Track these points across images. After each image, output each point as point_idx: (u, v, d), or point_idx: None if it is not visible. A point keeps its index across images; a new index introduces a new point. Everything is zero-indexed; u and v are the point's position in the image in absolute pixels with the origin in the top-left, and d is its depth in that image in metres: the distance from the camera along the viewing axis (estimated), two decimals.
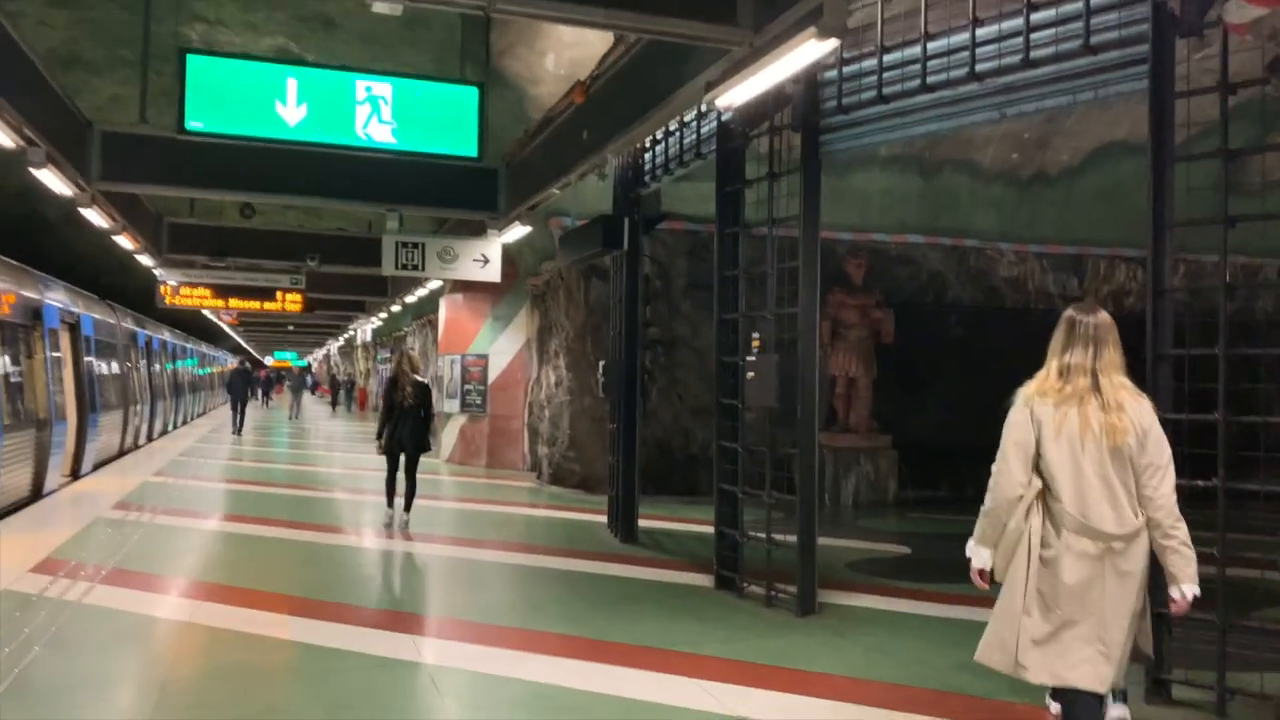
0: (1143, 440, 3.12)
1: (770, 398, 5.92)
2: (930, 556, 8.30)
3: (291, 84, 5.91)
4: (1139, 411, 3.16)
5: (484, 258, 10.63)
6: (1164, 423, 4.42)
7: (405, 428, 9.02)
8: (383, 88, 6.19)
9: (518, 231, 9.95)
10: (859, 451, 11.90)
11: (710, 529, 6.80)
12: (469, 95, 6.51)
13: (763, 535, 6.20)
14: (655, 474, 11.07)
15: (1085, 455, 3.11)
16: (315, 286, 18.04)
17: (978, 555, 3.28)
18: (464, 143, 6.48)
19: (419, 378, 9.28)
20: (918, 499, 11.80)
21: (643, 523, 9.06)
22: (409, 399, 9.05)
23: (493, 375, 15.48)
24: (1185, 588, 3.13)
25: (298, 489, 12.74)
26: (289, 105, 5.86)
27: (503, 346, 15.43)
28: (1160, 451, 3.15)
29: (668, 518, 9.78)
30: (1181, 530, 3.15)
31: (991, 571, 3.29)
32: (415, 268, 10.59)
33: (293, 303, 17.98)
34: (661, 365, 11.93)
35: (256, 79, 5.85)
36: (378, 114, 6.15)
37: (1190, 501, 4.68)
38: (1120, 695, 3.91)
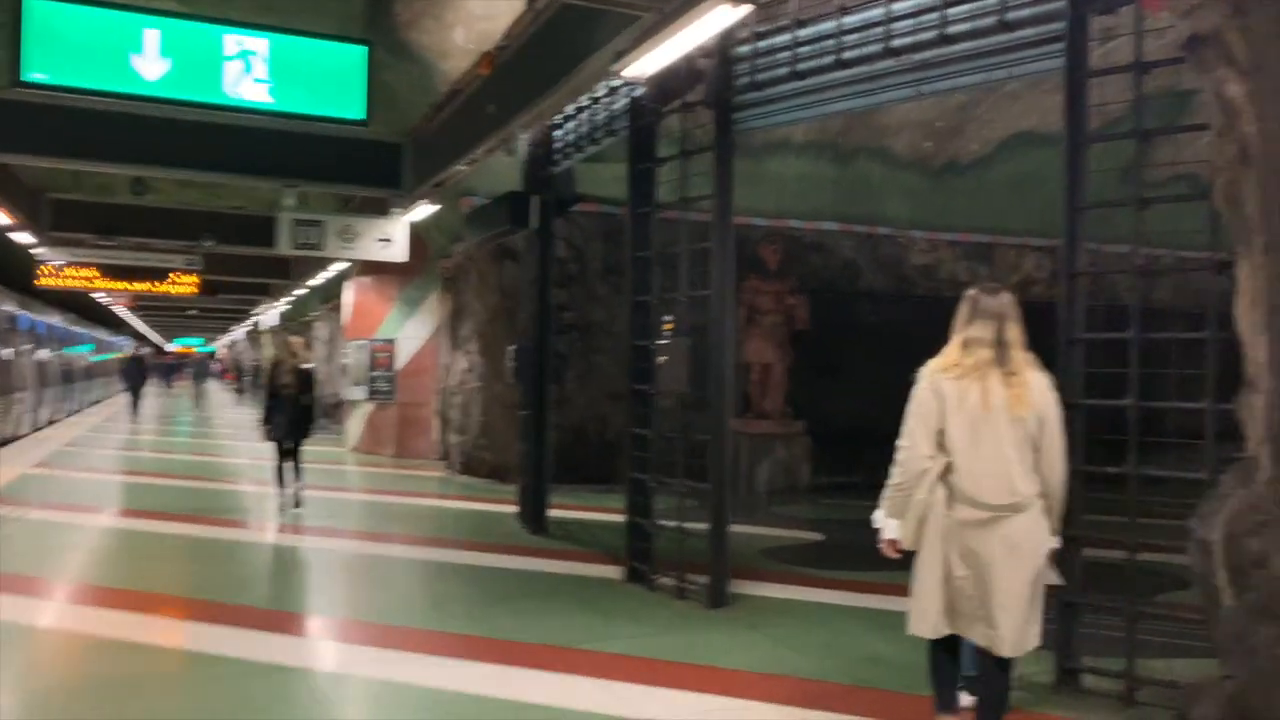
0: (1042, 416, 3.29)
1: (681, 382, 5.72)
2: (844, 543, 8.25)
3: (151, 35, 5.37)
4: (1040, 387, 3.31)
5: (388, 238, 10.16)
6: (1075, 407, 4.40)
7: (286, 414, 8.67)
8: (257, 43, 5.69)
9: (424, 210, 9.55)
10: (773, 438, 11.83)
11: (624, 518, 6.58)
12: (355, 54, 6.07)
13: (676, 524, 6.00)
14: (570, 462, 10.81)
15: (983, 428, 3.25)
16: (216, 268, 17.18)
17: (887, 526, 3.43)
18: (350, 105, 6.04)
19: (303, 364, 8.93)
20: (831, 485, 11.79)
21: (556, 512, 8.79)
22: (289, 385, 8.70)
23: (401, 361, 14.96)
24: (1054, 542, 3.37)
25: (191, 480, 12.08)
26: (147, 58, 5.33)
27: (412, 331, 14.92)
28: (1057, 427, 3.31)
29: (582, 507, 9.53)
30: (1064, 498, 3.38)
31: (901, 542, 3.43)
32: (314, 247, 10.08)
33: (188, 284, 17.09)
34: (578, 350, 11.66)
35: (109, 28, 5.29)
36: (250, 71, 5.66)
37: (1098, 486, 4.67)
38: (966, 683, 3.81)
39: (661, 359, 5.87)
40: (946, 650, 3.49)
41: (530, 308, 8.29)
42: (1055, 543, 3.38)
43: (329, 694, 4.36)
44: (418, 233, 14.18)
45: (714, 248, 5.74)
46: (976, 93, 11.78)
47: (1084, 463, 4.33)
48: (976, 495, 3.23)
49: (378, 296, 15.22)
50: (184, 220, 13.82)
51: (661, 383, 5.96)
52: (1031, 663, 4.65)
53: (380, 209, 10.82)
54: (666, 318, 6.06)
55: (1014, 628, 3.22)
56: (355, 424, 15.70)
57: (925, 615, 3.36)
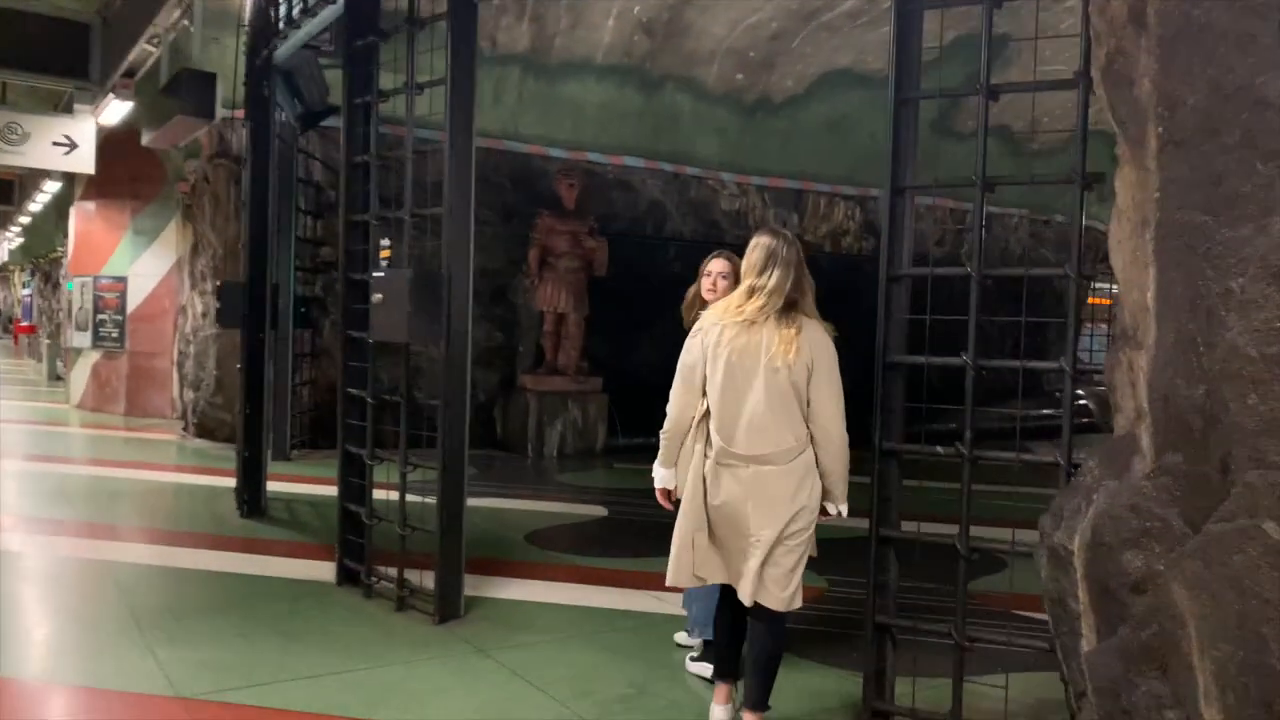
0: (812, 365, 3.12)
1: (401, 329, 4.28)
2: (627, 518, 7.13)
3: None
4: (815, 337, 3.14)
5: (69, 140, 8.05)
6: (894, 368, 3.33)
7: None
8: None
9: (118, 109, 7.52)
10: (567, 396, 10.62)
11: (379, 494, 5.02)
12: None
13: (402, 514, 4.60)
14: (328, 424, 9.16)
15: (740, 377, 3.13)
16: None
17: (659, 475, 3.35)
18: None
19: None
20: (628, 447, 10.73)
21: (291, 488, 7.22)
22: None
23: (133, 303, 12.62)
24: (841, 507, 3.22)
25: None
26: None
27: (146, 267, 12.58)
28: (827, 377, 3.13)
29: (326, 480, 7.92)
30: (842, 458, 3.16)
31: (675, 491, 3.32)
32: None
33: None
34: (337, 294, 9.92)
35: None
36: None
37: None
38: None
39: (376, 297, 4.41)
40: (730, 610, 3.30)
41: (245, 233, 6.56)
42: (833, 510, 3.22)
43: None
44: (156, 150, 11.90)
45: (449, 150, 4.31)
46: (791, 22, 10.83)
47: (899, 439, 3.29)
48: (729, 444, 3.13)
49: (105, 225, 12.74)
50: None
51: (375, 329, 4.51)
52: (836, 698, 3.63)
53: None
54: (384, 242, 4.58)
55: (752, 576, 3.09)
56: (79, 376, 13.23)
57: (681, 563, 3.22)
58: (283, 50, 6.20)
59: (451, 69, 4.28)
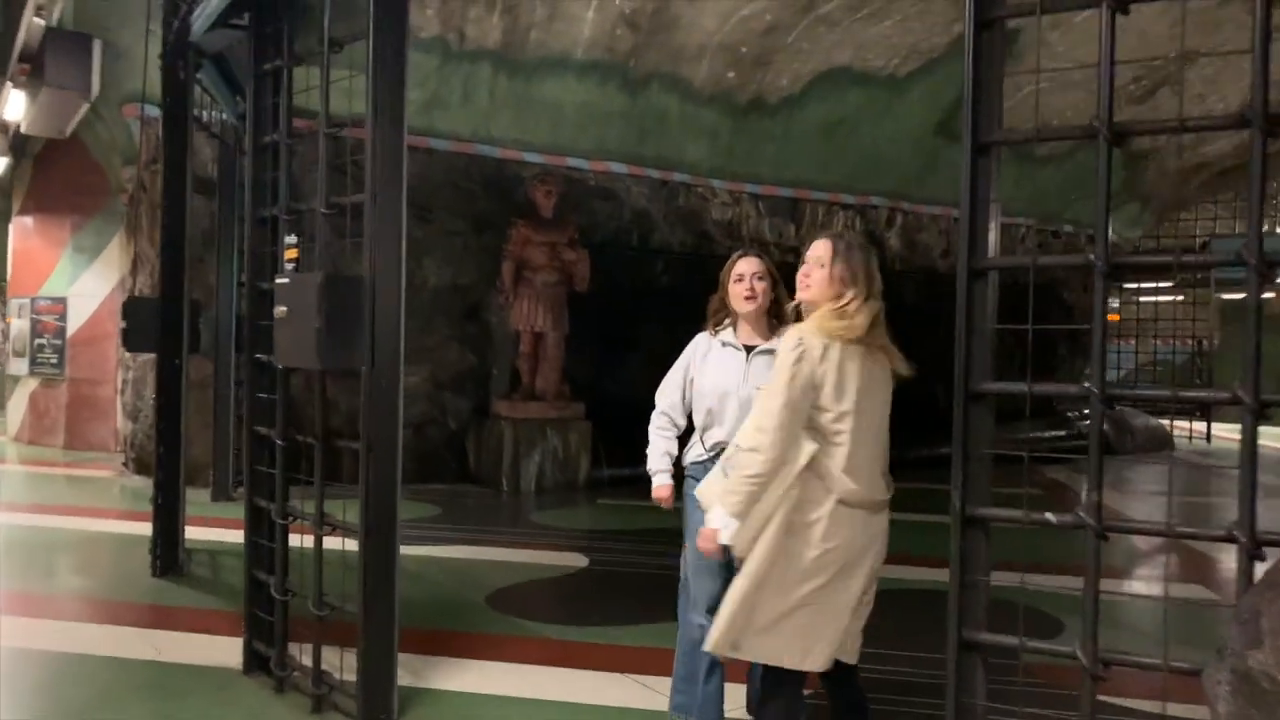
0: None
1: (309, 352, 3.30)
2: (610, 570, 6.15)
3: None
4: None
5: None
6: (984, 397, 2.39)
7: None
8: None
9: (15, 103, 6.54)
10: (546, 424, 9.63)
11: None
12: None
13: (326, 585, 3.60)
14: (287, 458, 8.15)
15: (869, 411, 2.66)
16: None
17: (724, 526, 2.68)
18: None
19: None
20: (614, 479, 9.76)
21: (226, 535, 6.28)
22: None
23: (74, 326, 11.56)
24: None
25: None
26: None
27: (87, 287, 11.55)
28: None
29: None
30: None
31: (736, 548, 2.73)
32: None
33: None
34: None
35: None
36: None
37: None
38: None
39: (280, 310, 3.43)
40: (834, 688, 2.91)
41: (159, 240, 5.58)
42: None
43: None
44: (95, 157, 10.94)
45: (372, 114, 3.35)
46: (787, 14, 9.97)
47: (986, 499, 2.34)
48: (862, 488, 2.65)
49: (44, 241, 11.71)
50: None
51: (279, 352, 3.52)
52: None
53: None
54: (290, 239, 3.62)
55: (857, 635, 2.77)
56: (17, 406, 12.16)
57: (733, 624, 2.67)
58: (200, 22, 5.24)
59: (374, 9, 3.32)
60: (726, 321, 3.28)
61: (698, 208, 11.54)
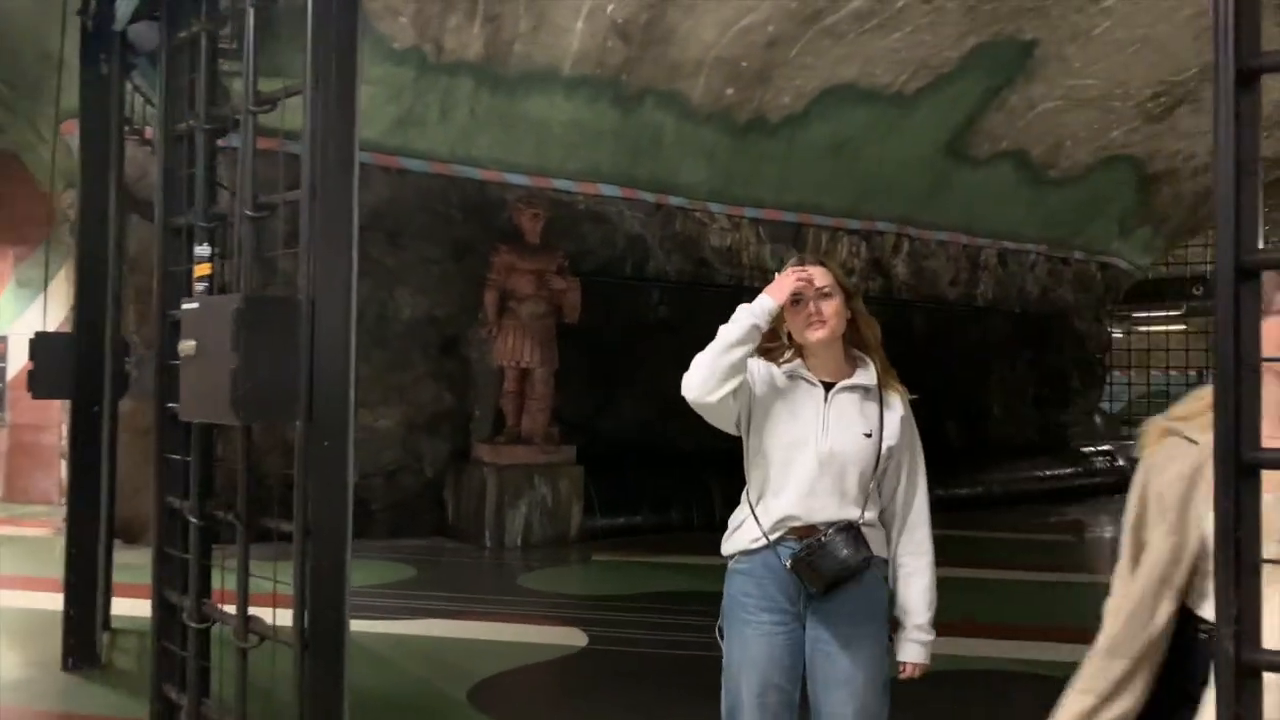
0: None
1: (220, 402, 2.41)
2: (614, 650, 5.22)
3: None
4: None
5: None
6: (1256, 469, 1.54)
7: None
8: None
9: None
10: (533, 469, 8.72)
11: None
12: None
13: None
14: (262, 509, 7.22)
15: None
16: None
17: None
18: None
19: None
20: (609, 529, 8.87)
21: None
22: None
23: (15, 367, 10.61)
24: None
25: None
26: None
27: (31, 325, 10.59)
28: None
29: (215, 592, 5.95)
30: None
31: None
32: None
33: None
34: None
35: None
36: None
37: None
38: None
39: (186, 345, 2.54)
40: None
41: (80, 264, 4.69)
42: None
43: None
44: (37, 182, 10.06)
45: (312, 91, 2.49)
46: (790, 25, 9.26)
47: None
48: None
49: None
50: None
51: (183, 401, 2.63)
52: None
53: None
54: (201, 251, 2.73)
55: None
56: None
57: None
58: (124, 6, 4.40)
59: None
60: (788, 355, 2.40)
61: (695, 233, 10.76)
